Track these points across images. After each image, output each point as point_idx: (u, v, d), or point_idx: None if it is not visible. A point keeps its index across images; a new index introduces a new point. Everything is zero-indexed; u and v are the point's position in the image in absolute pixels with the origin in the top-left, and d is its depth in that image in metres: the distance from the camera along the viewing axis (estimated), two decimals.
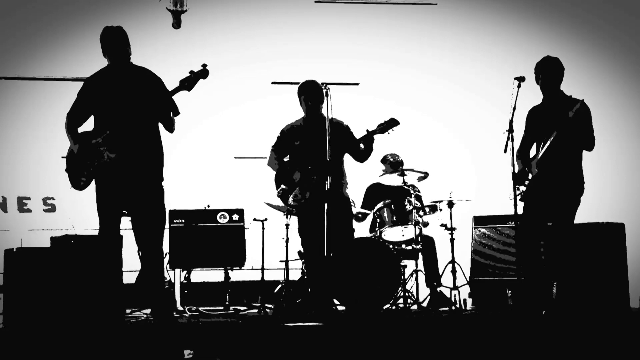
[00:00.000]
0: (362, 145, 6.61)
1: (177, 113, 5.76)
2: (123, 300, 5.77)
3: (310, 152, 6.49)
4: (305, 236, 6.65)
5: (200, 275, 8.49)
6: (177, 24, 9.20)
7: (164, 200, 5.80)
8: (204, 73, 5.63)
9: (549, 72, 6.24)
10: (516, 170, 6.26)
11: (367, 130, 6.48)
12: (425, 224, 7.88)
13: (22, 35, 9.67)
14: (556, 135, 5.99)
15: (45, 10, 9.53)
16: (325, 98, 6.29)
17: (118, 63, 5.72)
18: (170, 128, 5.79)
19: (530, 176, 6.26)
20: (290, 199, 6.60)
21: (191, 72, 5.62)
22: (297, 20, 9.88)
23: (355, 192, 7.48)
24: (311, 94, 6.62)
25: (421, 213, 7.60)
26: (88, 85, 5.78)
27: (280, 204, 7.65)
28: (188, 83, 5.60)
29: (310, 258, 6.64)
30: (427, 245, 7.82)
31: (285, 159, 6.83)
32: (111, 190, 5.65)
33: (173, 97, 5.65)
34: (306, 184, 6.56)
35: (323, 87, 6.30)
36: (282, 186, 6.63)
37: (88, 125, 5.85)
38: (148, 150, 5.70)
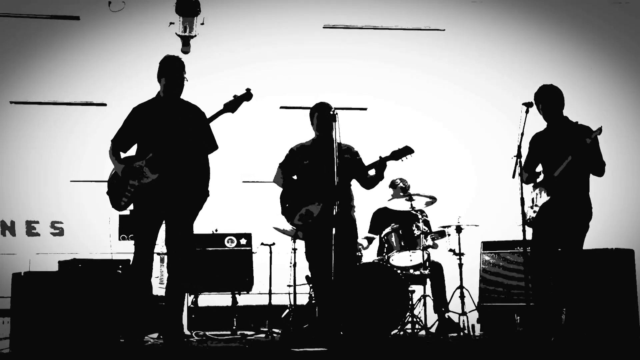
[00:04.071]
0: (372, 171, 6.56)
1: (215, 149, 5.96)
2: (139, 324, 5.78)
3: (318, 174, 6.44)
4: (312, 260, 6.59)
5: (207, 300, 8.48)
6: (186, 49, 9.24)
7: (192, 228, 5.90)
8: (247, 96, 5.81)
9: (547, 100, 6.25)
10: (525, 190, 6.24)
11: (380, 157, 6.44)
12: (435, 246, 7.85)
13: (32, 61, 9.73)
14: (570, 160, 5.97)
15: (56, 35, 9.59)
16: (334, 122, 6.26)
17: (170, 91, 5.89)
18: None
19: (539, 195, 6.25)
20: (296, 219, 6.54)
21: (234, 96, 5.78)
22: (306, 46, 9.91)
23: (362, 216, 7.46)
24: (323, 114, 6.59)
25: (429, 238, 7.58)
26: (136, 114, 5.96)
27: (288, 228, 7.65)
28: (232, 106, 5.77)
29: (317, 282, 6.59)
30: (435, 271, 7.79)
31: (293, 177, 6.77)
32: (150, 208, 5.74)
33: (217, 120, 5.83)
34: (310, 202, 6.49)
35: (332, 112, 6.29)
36: (287, 205, 6.59)
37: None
38: (187, 175, 5.82)
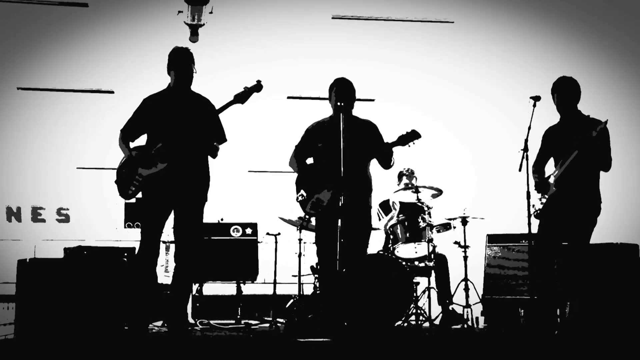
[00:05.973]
0: None
1: (223, 141, 5.99)
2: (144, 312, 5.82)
3: (332, 157, 6.15)
4: (320, 248, 6.54)
5: (212, 289, 8.50)
6: (194, 39, 9.23)
7: (202, 219, 5.92)
8: (257, 87, 5.82)
9: (564, 91, 6.23)
10: (532, 184, 6.24)
11: (387, 143, 6.34)
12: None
13: (40, 47, 9.74)
14: (577, 154, 5.95)
15: (64, 22, 9.60)
16: (340, 114, 6.14)
17: (180, 83, 5.91)
18: (214, 155, 5.97)
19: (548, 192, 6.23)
20: (308, 207, 6.46)
21: (245, 87, 5.80)
22: (314, 36, 9.90)
23: None
24: (343, 89, 6.45)
25: (434, 230, 7.56)
26: (146, 105, 5.97)
27: (294, 218, 7.65)
28: (242, 97, 5.79)
29: (323, 272, 6.55)
30: (440, 263, 7.78)
31: (309, 160, 6.68)
32: (158, 197, 5.77)
33: (225, 112, 5.84)
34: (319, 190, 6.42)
35: (340, 104, 6.20)
36: (302, 192, 6.50)
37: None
38: (196, 165, 5.86)
